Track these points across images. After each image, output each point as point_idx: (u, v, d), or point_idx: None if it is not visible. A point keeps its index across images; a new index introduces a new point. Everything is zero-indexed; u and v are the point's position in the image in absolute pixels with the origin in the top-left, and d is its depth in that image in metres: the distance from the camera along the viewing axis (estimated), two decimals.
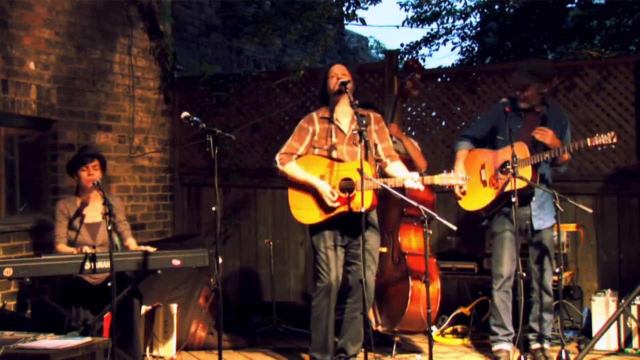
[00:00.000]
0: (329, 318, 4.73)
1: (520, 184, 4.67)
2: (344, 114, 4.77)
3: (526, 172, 4.78)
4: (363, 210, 4.25)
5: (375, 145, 4.78)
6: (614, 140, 4.60)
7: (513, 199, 4.58)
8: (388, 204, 5.24)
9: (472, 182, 4.94)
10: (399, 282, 5.16)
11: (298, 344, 5.57)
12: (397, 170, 4.72)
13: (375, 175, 4.59)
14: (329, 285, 4.69)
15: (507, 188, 4.76)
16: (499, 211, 5.01)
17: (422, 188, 4.55)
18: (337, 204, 4.60)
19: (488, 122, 5.16)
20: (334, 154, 4.71)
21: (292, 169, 4.77)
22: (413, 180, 4.51)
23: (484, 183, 5.03)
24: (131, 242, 5.12)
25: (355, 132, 4.53)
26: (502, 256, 5.00)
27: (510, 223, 4.89)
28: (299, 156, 4.80)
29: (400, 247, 5.23)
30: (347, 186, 4.61)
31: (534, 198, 4.95)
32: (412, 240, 5.28)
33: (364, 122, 4.43)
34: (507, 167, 4.76)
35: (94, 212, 5.04)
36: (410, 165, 5.18)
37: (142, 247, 4.89)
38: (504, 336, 5.03)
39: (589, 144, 4.66)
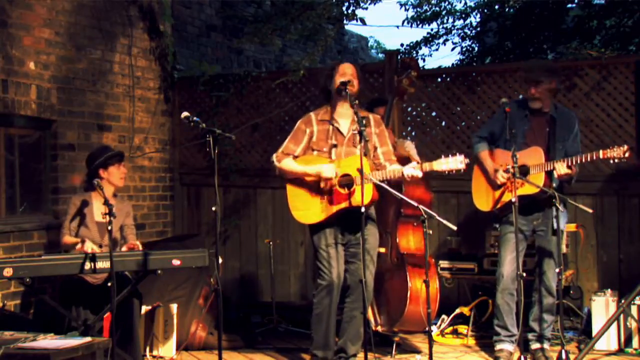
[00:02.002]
0: (331, 316, 4.71)
1: (533, 190, 4.69)
2: (343, 114, 4.73)
3: (539, 178, 4.77)
4: (363, 209, 4.24)
5: (375, 149, 4.75)
6: (626, 155, 4.58)
7: (513, 199, 4.58)
8: (385, 203, 5.23)
9: (487, 182, 5.00)
10: (398, 282, 5.15)
11: (298, 344, 5.57)
12: None
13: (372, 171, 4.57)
14: (331, 283, 4.66)
15: (519, 192, 4.70)
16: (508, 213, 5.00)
17: (420, 175, 4.51)
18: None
19: (495, 125, 5.13)
20: (334, 156, 4.69)
21: (289, 164, 4.74)
22: (412, 168, 4.49)
23: (498, 186, 5.01)
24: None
25: (355, 131, 4.51)
26: (503, 257, 5.01)
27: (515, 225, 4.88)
28: (296, 157, 4.78)
29: (399, 247, 5.22)
30: (346, 182, 4.60)
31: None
32: (410, 240, 5.26)
33: (363, 122, 4.41)
34: (512, 169, 4.71)
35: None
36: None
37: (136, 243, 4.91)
38: (506, 337, 5.03)
39: (602, 156, 4.61)
